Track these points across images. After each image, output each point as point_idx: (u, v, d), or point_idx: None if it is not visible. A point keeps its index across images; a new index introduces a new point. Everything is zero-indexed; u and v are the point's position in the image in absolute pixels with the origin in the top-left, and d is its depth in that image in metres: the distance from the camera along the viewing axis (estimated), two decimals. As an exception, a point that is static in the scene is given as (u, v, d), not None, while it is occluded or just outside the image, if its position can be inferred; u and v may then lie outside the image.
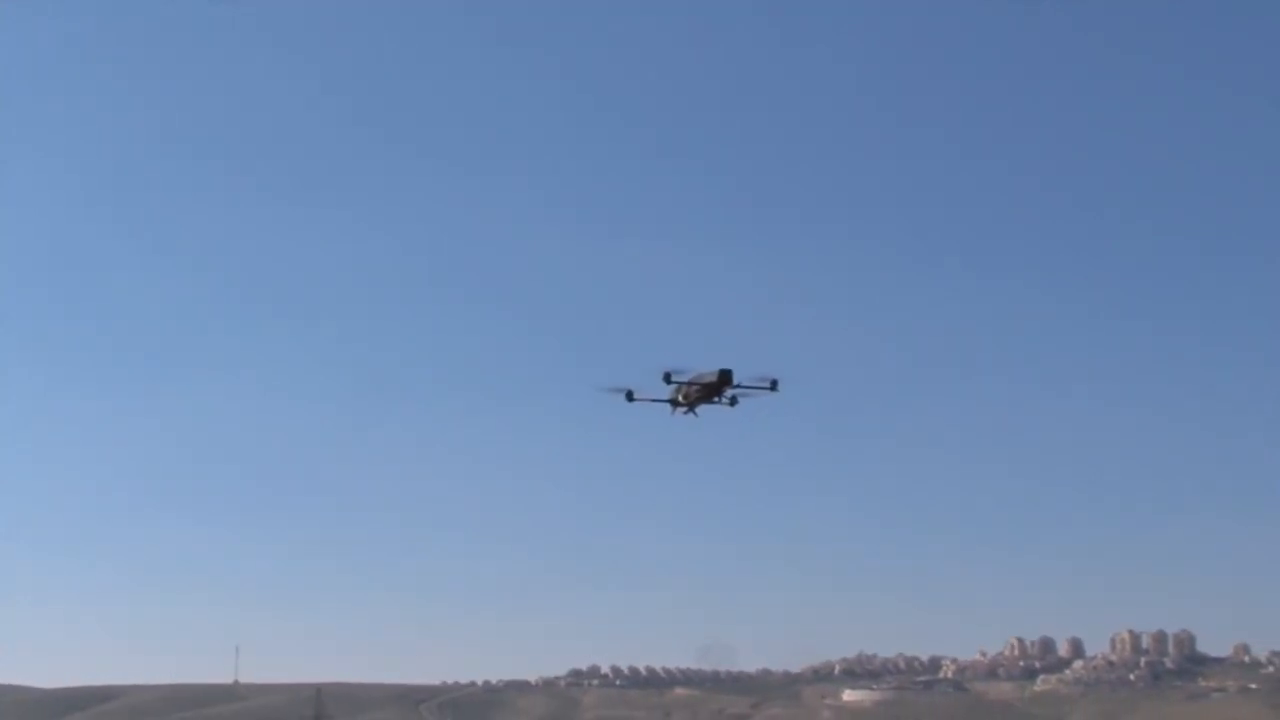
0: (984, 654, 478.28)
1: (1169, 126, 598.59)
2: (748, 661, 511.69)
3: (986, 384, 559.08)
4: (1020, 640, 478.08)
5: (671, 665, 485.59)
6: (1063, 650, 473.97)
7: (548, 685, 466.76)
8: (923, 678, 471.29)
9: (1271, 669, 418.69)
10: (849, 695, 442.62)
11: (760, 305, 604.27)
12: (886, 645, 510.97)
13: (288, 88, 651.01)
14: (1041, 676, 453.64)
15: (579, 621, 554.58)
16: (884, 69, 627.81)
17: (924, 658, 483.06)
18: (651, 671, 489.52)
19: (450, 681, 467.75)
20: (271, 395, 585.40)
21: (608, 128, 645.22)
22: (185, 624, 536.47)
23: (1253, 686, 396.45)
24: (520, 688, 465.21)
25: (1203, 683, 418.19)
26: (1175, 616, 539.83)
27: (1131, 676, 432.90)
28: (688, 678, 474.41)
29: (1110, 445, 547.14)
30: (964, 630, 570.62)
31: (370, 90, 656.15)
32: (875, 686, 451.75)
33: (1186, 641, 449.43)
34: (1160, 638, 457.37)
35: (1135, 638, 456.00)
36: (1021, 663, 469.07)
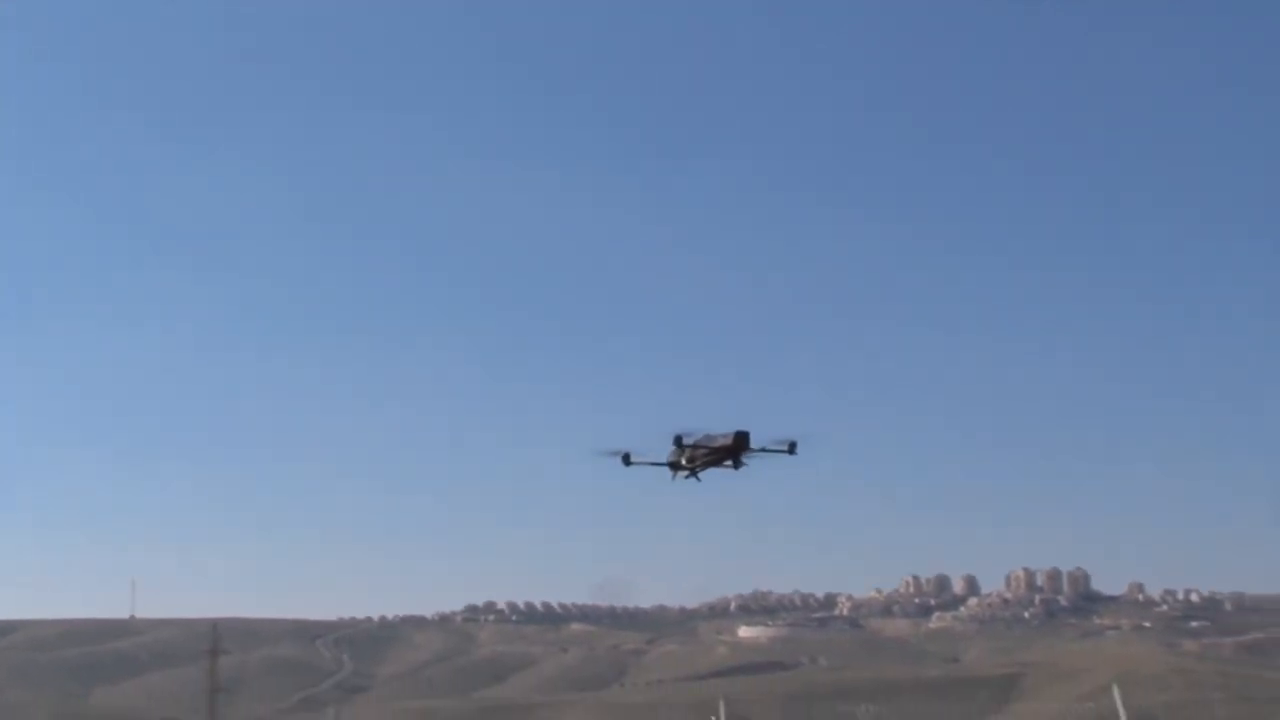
0: (879, 592, 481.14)
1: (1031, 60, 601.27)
2: (644, 598, 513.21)
3: (886, 327, 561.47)
4: (916, 578, 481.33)
5: (568, 601, 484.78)
6: (958, 588, 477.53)
7: (444, 621, 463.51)
8: (818, 614, 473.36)
9: (1165, 607, 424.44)
10: (744, 631, 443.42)
11: (665, 245, 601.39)
12: (782, 582, 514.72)
13: (183, 26, 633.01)
14: (936, 614, 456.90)
15: (475, 558, 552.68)
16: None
17: (820, 595, 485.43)
18: (548, 607, 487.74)
19: (346, 617, 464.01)
20: (169, 335, 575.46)
21: (506, 62, 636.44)
22: (82, 560, 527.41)
23: (1146, 625, 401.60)
24: (416, 623, 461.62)
25: (1097, 620, 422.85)
26: (1070, 555, 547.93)
27: (1026, 614, 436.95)
28: (584, 614, 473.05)
29: (1008, 387, 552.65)
30: (860, 568, 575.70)
31: (269, 29, 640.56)
32: (771, 623, 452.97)
33: (1081, 580, 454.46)
34: (1055, 576, 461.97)
35: (1030, 576, 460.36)
36: (917, 600, 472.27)
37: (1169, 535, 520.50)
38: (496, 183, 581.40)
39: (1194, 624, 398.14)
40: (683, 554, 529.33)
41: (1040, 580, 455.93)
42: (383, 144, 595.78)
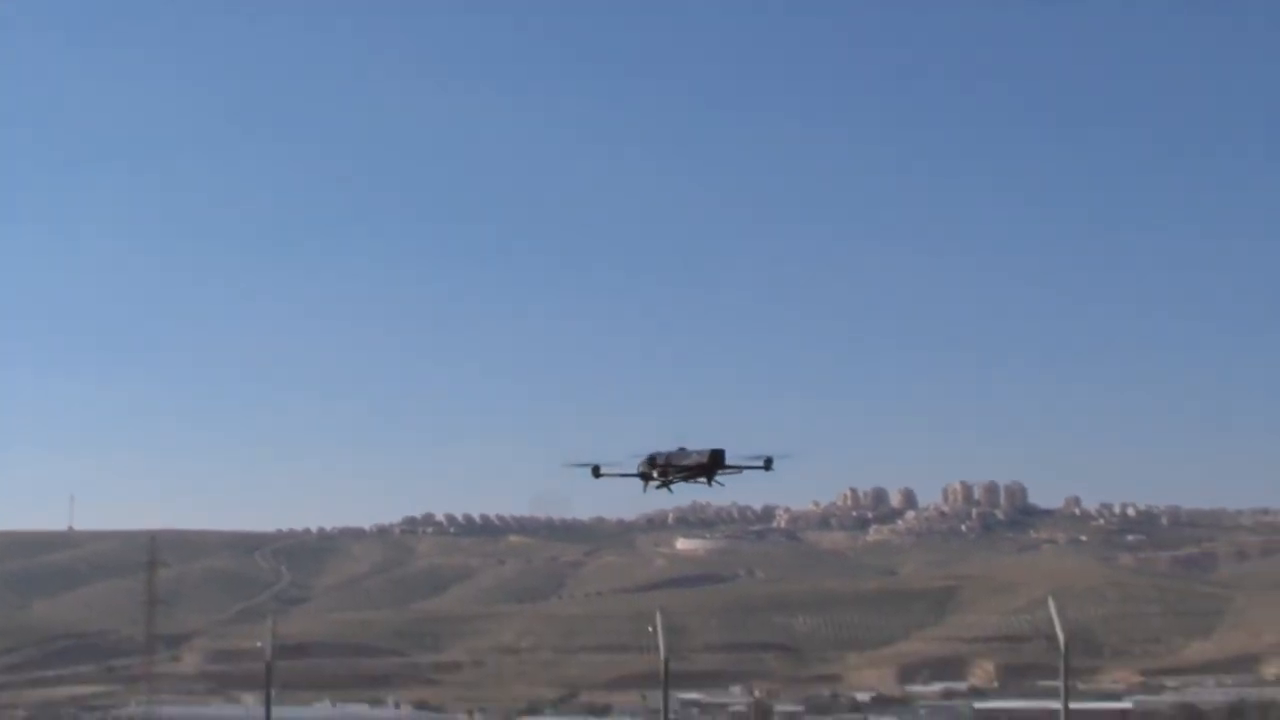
0: (817, 504, 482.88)
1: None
2: (582, 510, 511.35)
3: (821, 236, 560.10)
4: (853, 491, 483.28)
5: (506, 513, 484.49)
6: (895, 501, 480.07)
7: (382, 532, 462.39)
8: (756, 527, 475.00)
9: (1101, 521, 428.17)
10: (682, 543, 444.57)
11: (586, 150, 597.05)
12: (720, 494, 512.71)
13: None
14: (874, 527, 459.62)
15: (413, 469, 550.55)
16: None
17: (757, 507, 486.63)
18: (486, 519, 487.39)
19: (285, 529, 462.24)
20: (104, 242, 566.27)
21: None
22: (19, 473, 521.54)
23: (1082, 539, 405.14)
24: (355, 535, 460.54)
25: (1033, 534, 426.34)
26: (1007, 469, 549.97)
27: (963, 527, 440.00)
28: (522, 525, 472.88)
29: (947, 299, 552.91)
30: (797, 481, 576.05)
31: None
32: (708, 535, 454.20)
33: (1018, 494, 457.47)
34: (992, 489, 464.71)
35: (967, 489, 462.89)
36: (854, 513, 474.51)
37: (1105, 450, 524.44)
38: (423, 88, 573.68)
39: (1130, 538, 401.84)
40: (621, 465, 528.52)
41: (977, 494, 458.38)
42: (311, 46, 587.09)
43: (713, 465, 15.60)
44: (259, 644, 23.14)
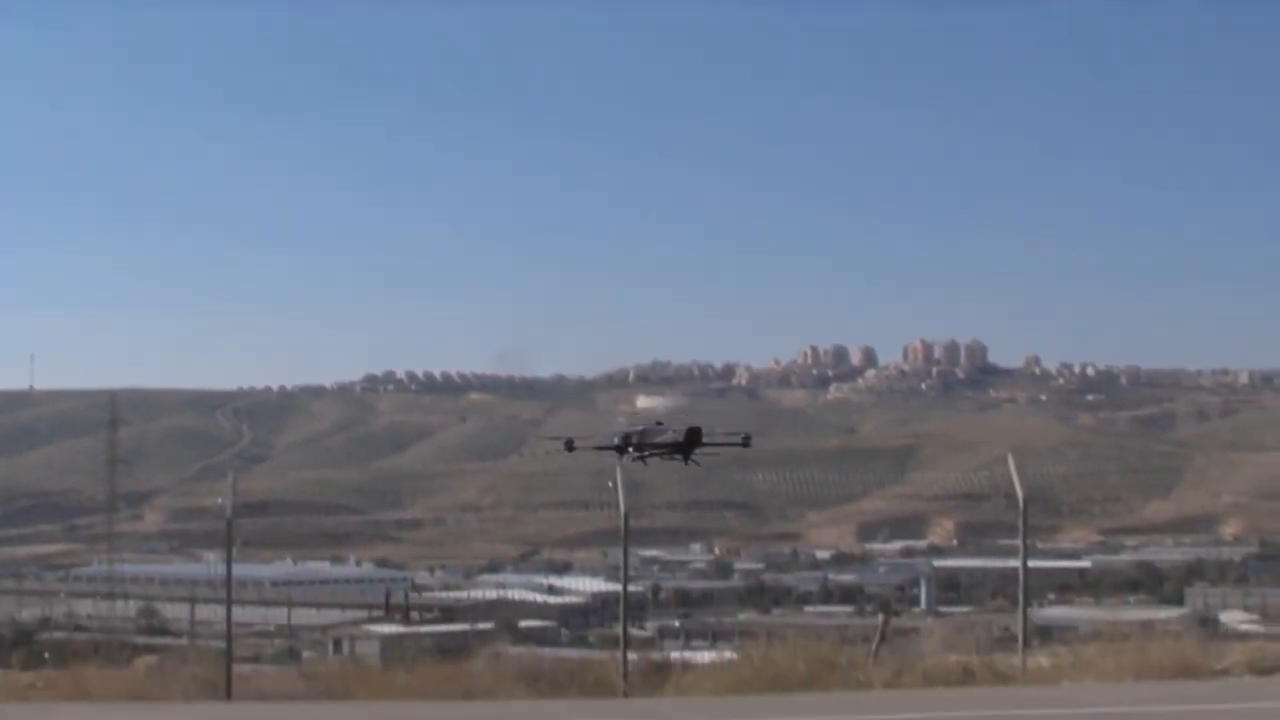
0: (777, 362, 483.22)
1: None
2: (543, 367, 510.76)
3: (785, 89, 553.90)
4: (814, 349, 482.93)
5: (467, 370, 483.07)
6: (855, 359, 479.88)
7: (343, 390, 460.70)
8: (716, 385, 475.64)
9: (1061, 381, 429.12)
10: (642, 401, 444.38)
11: None
12: (680, 352, 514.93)
13: None
14: (834, 385, 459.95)
15: (373, 326, 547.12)
16: None
17: (718, 365, 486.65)
18: (447, 376, 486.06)
19: (246, 387, 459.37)
20: (61, 96, 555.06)
21: None
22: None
23: (1042, 398, 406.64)
24: (315, 393, 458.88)
25: (993, 393, 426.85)
26: (968, 328, 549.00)
27: (923, 386, 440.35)
28: (483, 383, 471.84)
29: (906, 153, 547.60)
30: (757, 339, 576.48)
31: None
32: (668, 393, 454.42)
33: (978, 353, 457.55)
34: (952, 349, 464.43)
35: (927, 348, 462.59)
36: (814, 371, 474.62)
37: (1066, 309, 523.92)
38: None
39: (1089, 398, 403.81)
40: (582, 324, 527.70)
41: (937, 353, 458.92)
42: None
43: (688, 443, 14.89)
44: (220, 500, 22.08)
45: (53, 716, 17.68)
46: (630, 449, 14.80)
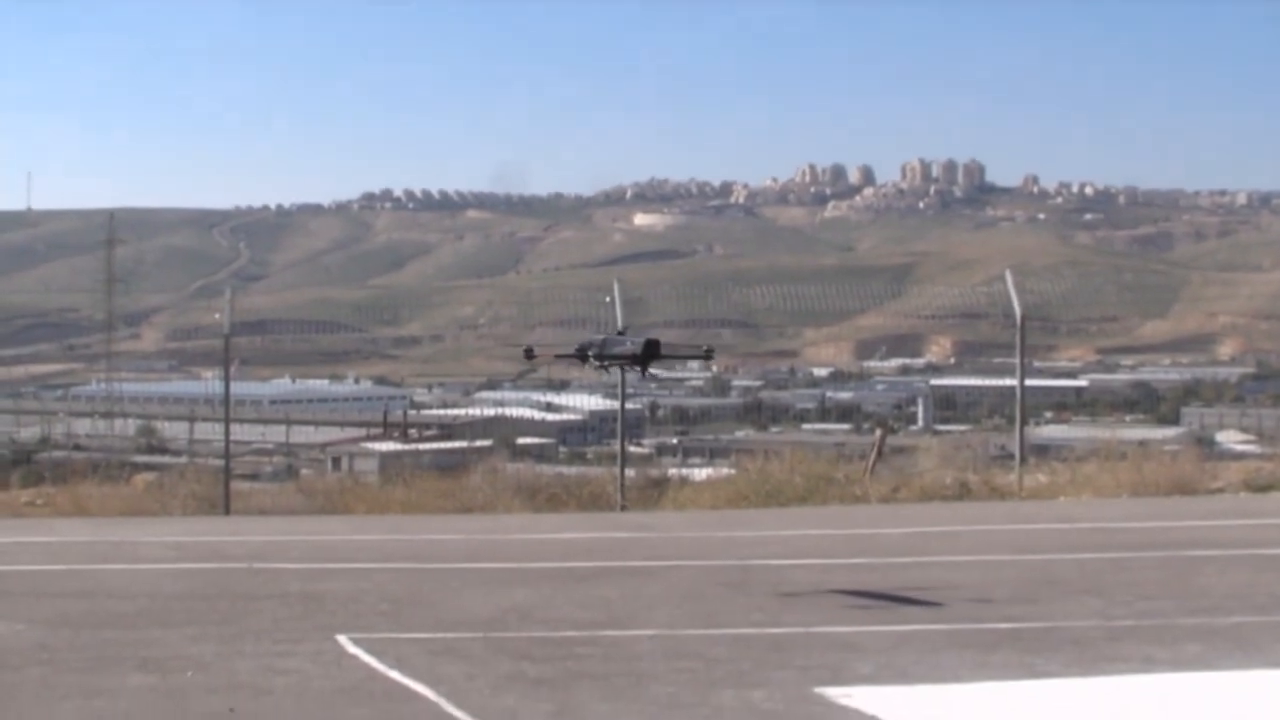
0: (775, 180, 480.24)
1: None
2: (540, 185, 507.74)
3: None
4: (812, 167, 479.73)
5: (465, 188, 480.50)
6: (853, 177, 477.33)
7: (340, 208, 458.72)
8: (714, 202, 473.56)
9: (1059, 200, 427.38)
10: (640, 218, 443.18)
11: None
12: (678, 170, 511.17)
13: None
14: (832, 203, 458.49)
15: (371, 144, 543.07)
16: None
17: (715, 183, 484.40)
18: (444, 194, 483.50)
19: (243, 205, 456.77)
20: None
21: None
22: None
23: (1040, 217, 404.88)
24: (313, 211, 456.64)
25: (991, 212, 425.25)
26: (966, 146, 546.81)
27: (921, 204, 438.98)
28: (481, 200, 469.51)
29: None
30: (755, 156, 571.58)
31: None
32: (666, 210, 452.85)
33: (976, 171, 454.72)
34: (950, 167, 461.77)
35: (925, 166, 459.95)
36: (813, 189, 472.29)
37: (1064, 128, 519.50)
38: None
39: (1088, 217, 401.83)
40: (579, 141, 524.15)
41: (935, 171, 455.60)
42: None
43: (646, 356, 14.46)
44: (218, 316, 22.02)
45: (52, 531, 17.73)
46: (590, 357, 14.45)
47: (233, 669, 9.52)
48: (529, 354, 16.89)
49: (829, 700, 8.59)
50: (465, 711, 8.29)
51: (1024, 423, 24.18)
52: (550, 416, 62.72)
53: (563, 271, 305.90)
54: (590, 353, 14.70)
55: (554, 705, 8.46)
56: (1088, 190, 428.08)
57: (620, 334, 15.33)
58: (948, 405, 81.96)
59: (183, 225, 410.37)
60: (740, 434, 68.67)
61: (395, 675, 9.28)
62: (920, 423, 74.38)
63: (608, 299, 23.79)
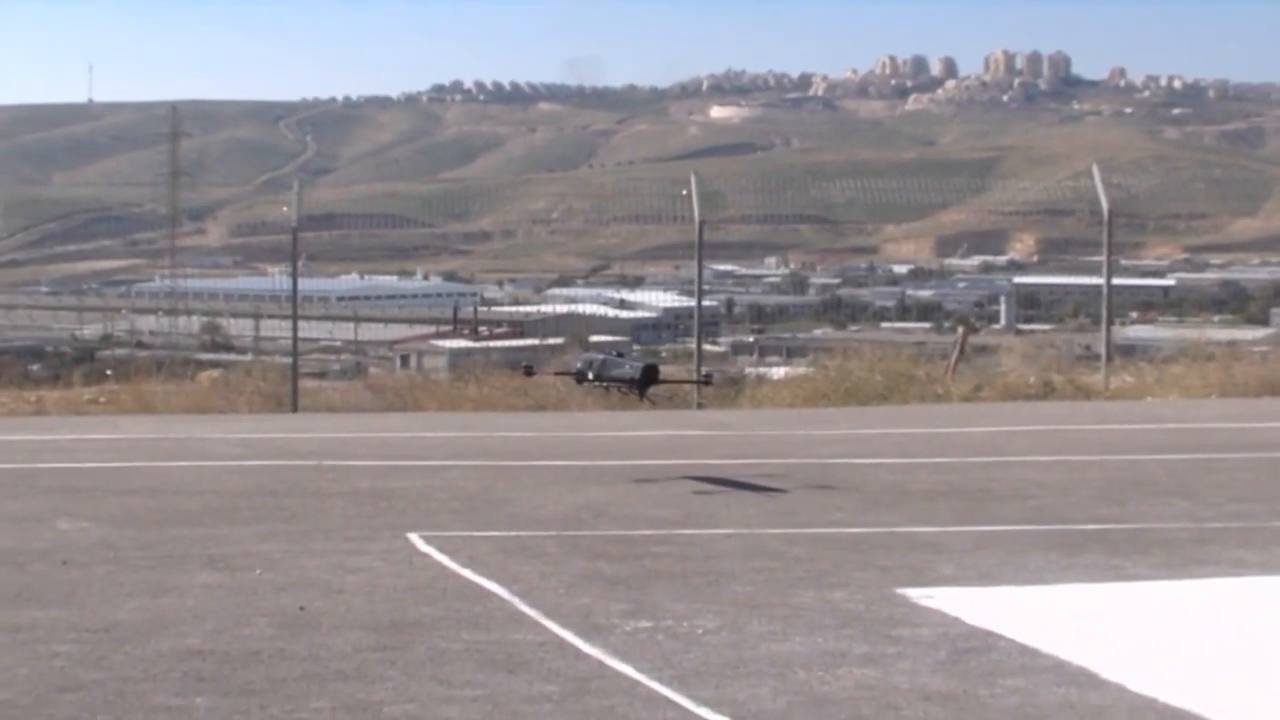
0: (855, 72, 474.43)
1: None
2: (614, 76, 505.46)
3: None
4: (892, 59, 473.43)
5: (536, 80, 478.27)
6: (935, 70, 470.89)
7: (409, 101, 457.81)
8: (792, 95, 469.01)
9: (1147, 93, 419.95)
10: (716, 111, 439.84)
11: None
12: (756, 61, 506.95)
13: None
14: (913, 96, 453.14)
15: (441, 35, 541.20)
16: None
17: (794, 75, 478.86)
18: (516, 86, 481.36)
19: (310, 98, 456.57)
20: None
21: None
22: (37, 41, 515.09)
23: (1127, 111, 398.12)
24: (381, 103, 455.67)
25: (1077, 106, 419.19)
26: (1051, 38, 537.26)
27: (1005, 98, 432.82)
28: (553, 92, 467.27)
29: None
30: (835, 48, 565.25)
31: None
32: (743, 103, 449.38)
33: (1061, 64, 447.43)
34: (1035, 59, 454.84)
35: (1009, 59, 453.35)
36: (893, 82, 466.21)
37: (1152, 19, 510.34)
38: None
39: (1175, 111, 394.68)
40: (654, 31, 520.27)
41: (1019, 63, 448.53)
42: None
43: (645, 380, 14.06)
44: (285, 210, 21.77)
45: (116, 429, 17.68)
46: (590, 378, 14.26)
47: (302, 567, 9.35)
48: (528, 372, 16.97)
49: (911, 601, 8.37)
50: (539, 610, 8.12)
51: (1110, 322, 23.71)
52: (624, 314, 62.37)
53: (636, 166, 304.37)
54: (589, 374, 14.66)
55: (629, 604, 8.27)
56: (1176, 84, 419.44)
57: (619, 355, 15.23)
58: (1031, 304, 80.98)
59: (247, 118, 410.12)
60: (818, 332, 68.14)
61: (467, 574, 9.09)
62: (1003, 322, 73.49)
63: (684, 193, 23.42)
